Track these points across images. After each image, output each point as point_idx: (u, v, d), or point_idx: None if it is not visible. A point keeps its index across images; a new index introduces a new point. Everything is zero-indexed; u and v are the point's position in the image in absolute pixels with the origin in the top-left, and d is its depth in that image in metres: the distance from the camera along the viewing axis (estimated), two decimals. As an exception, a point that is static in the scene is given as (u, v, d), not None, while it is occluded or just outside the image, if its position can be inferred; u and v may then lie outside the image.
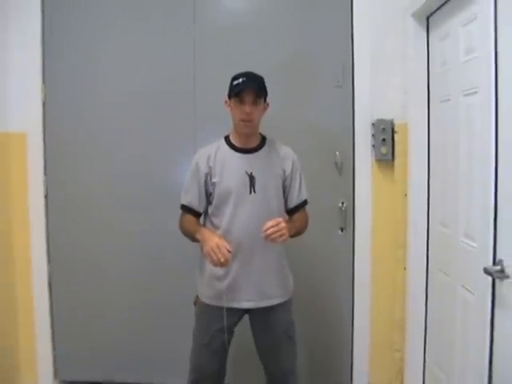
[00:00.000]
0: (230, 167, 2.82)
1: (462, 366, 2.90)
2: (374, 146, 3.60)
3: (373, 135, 3.59)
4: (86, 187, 3.78)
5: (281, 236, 2.61)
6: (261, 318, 2.91)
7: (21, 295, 3.83)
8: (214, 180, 2.81)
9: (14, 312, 3.81)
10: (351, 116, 3.61)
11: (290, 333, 2.96)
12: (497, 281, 2.38)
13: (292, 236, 2.76)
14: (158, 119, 3.72)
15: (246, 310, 2.91)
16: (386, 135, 3.55)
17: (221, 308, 2.80)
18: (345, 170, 3.66)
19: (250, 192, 2.79)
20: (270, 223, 2.58)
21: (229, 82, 2.81)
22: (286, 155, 2.90)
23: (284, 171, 2.87)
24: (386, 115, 3.57)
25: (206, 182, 2.84)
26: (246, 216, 2.79)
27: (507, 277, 2.29)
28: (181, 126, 3.70)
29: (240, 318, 2.94)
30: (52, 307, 3.85)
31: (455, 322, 2.97)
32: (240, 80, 2.75)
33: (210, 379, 2.95)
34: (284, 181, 2.88)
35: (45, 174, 3.77)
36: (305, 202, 2.97)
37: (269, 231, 2.57)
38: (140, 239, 3.78)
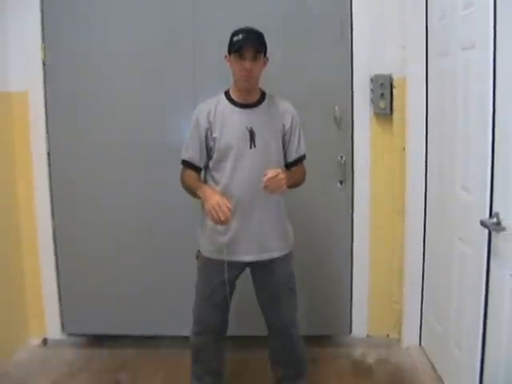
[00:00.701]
0: (230, 122, 2.81)
1: (457, 316, 2.96)
2: (372, 100, 3.60)
3: (371, 90, 3.59)
4: (87, 143, 3.76)
5: (279, 187, 2.65)
6: (261, 270, 2.94)
7: (26, 252, 3.87)
8: (214, 135, 2.81)
9: (20, 269, 3.86)
10: (350, 71, 3.60)
11: (290, 285, 3.00)
12: (493, 233, 2.42)
13: (289, 187, 2.79)
14: (158, 76, 3.68)
15: (247, 263, 2.93)
16: (385, 90, 3.55)
17: (222, 261, 2.83)
18: (344, 124, 3.66)
19: (251, 147, 2.79)
20: (269, 174, 2.61)
21: (228, 38, 2.78)
22: (285, 110, 2.89)
23: (283, 126, 2.87)
24: (385, 70, 3.56)
25: (206, 137, 2.84)
26: (247, 170, 2.79)
27: (503, 229, 2.32)
28: (180, 83, 3.67)
29: (241, 271, 2.97)
30: (57, 262, 3.89)
31: (452, 274, 3.03)
32: (240, 36, 2.72)
33: (212, 331, 3.00)
34: (283, 136, 2.89)
35: (47, 131, 3.76)
36: (303, 157, 2.98)
37: (267, 182, 2.61)
38: (142, 195, 3.78)
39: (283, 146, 2.91)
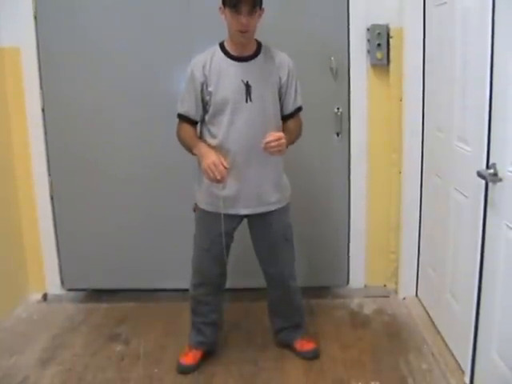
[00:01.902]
0: (226, 76, 2.77)
1: (454, 266, 2.99)
2: (369, 51, 3.56)
3: (368, 40, 3.54)
4: (82, 98, 3.72)
5: (279, 151, 2.70)
6: (259, 222, 2.96)
7: (24, 209, 3.87)
8: (209, 89, 2.77)
9: (18, 226, 3.86)
10: (346, 21, 3.54)
11: (287, 236, 3.02)
12: (490, 184, 2.41)
13: (287, 146, 2.80)
14: (154, 28, 3.62)
15: (244, 216, 2.95)
16: (382, 40, 3.51)
17: (219, 214, 2.84)
18: (340, 75, 3.62)
19: (247, 100, 2.76)
20: (271, 137, 2.65)
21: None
22: (281, 62, 2.85)
23: (280, 78, 2.83)
24: (381, 20, 3.51)
25: (202, 90, 2.80)
26: (243, 124, 2.77)
27: (500, 180, 2.32)
28: (176, 35, 3.61)
29: (239, 223, 2.98)
30: (55, 218, 3.89)
31: (448, 224, 3.04)
32: None
33: (211, 283, 3.03)
34: (280, 88, 2.85)
35: (41, 87, 3.72)
36: (299, 109, 2.95)
37: (269, 145, 2.65)
38: (140, 150, 3.76)
39: (279, 99, 2.88)
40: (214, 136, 2.82)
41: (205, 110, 2.85)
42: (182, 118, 2.87)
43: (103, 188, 3.84)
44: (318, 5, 3.56)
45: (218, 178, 2.68)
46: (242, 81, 2.76)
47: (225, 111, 2.77)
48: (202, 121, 2.89)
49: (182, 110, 2.86)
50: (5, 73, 3.69)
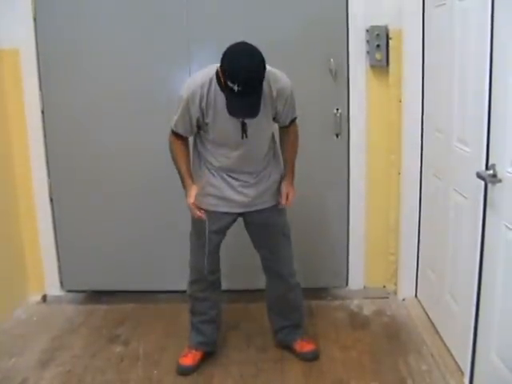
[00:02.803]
0: (222, 113, 2.65)
1: (453, 267, 2.98)
2: (368, 52, 3.56)
3: (367, 41, 3.55)
4: (82, 100, 3.72)
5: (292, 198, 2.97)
6: (255, 217, 2.96)
7: (23, 209, 3.86)
8: (206, 121, 2.73)
9: (18, 227, 3.86)
10: (345, 22, 3.55)
11: (285, 231, 3.03)
12: (489, 185, 2.41)
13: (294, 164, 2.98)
14: (153, 27, 3.63)
15: (240, 213, 2.96)
16: (381, 41, 3.51)
17: (214, 212, 2.89)
18: (339, 76, 3.62)
19: (242, 137, 2.73)
20: (283, 201, 2.94)
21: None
22: (280, 92, 2.73)
23: (276, 109, 2.78)
24: (381, 21, 3.51)
25: (198, 119, 2.74)
26: (239, 156, 2.79)
27: (499, 181, 2.32)
28: (175, 33, 3.60)
29: (233, 221, 2.99)
30: (55, 219, 3.90)
31: (448, 226, 3.04)
32: (236, 87, 2.43)
33: (206, 279, 3.02)
34: (276, 113, 2.81)
35: (40, 89, 3.72)
36: (295, 118, 2.93)
37: (282, 205, 2.94)
38: (138, 149, 3.76)
39: (275, 118, 2.85)
40: (210, 160, 2.85)
41: (201, 129, 2.82)
42: (176, 133, 2.86)
43: (103, 190, 3.84)
44: (316, 6, 3.55)
45: (196, 217, 2.89)
46: (238, 119, 2.69)
47: (224, 146, 2.79)
48: (201, 140, 2.88)
49: (176, 129, 2.83)
50: (4, 74, 3.69)
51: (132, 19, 3.64)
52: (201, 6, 3.52)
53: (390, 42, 3.51)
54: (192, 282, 3.07)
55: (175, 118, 2.78)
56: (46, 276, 3.97)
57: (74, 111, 3.75)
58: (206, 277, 3.01)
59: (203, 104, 2.67)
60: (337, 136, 3.71)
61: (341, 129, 3.69)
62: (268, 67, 2.55)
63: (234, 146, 2.76)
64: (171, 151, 2.90)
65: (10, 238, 3.80)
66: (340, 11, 3.54)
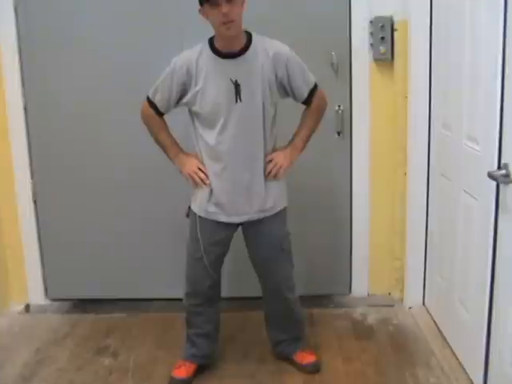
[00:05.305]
0: (214, 76, 2.74)
1: (463, 273, 2.98)
2: (372, 45, 3.56)
3: (371, 33, 3.54)
4: (67, 96, 3.70)
5: (279, 169, 2.86)
6: (253, 231, 2.96)
7: (5, 212, 3.85)
8: (196, 88, 2.76)
9: (-1, 233, 3.88)
10: (347, 14, 3.55)
11: (284, 246, 3.01)
12: (501, 186, 2.42)
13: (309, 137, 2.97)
14: (142, 21, 3.61)
15: (238, 223, 2.95)
16: (385, 33, 3.50)
17: (213, 221, 2.88)
18: (341, 71, 3.62)
19: (236, 100, 2.74)
20: (268, 168, 2.85)
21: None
22: (276, 55, 2.78)
23: (276, 76, 2.80)
24: (385, 12, 3.51)
25: (181, 90, 2.78)
26: (234, 127, 2.77)
27: (512, 181, 2.33)
28: (166, 29, 3.60)
29: (234, 231, 2.99)
30: (38, 222, 3.89)
31: (457, 229, 3.04)
32: None
33: (203, 293, 3.01)
34: (280, 82, 2.82)
35: (22, 84, 3.70)
36: (315, 87, 2.92)
37: (267, 172, 2.85)
38: (128, 150, 3.74)
39: (286, 92, 2.87)
40: (205, 141, 2.83)
41: (193, 114, 2.85)
42: (151, 104, 2.89)
43: (90, 191, 3.83)
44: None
45: (206, 181, 2.85)
46: (231, 80, 2.73)
47: (217, 115, 2.77)
48: (193, 126, 2.89)
49: (153, 97, 2.87)
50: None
51: (122, 11, 3.63)
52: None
53: (395, 34, 3.51)
54: (187, 295, 3.06)
55: (155, 85, 2.85)
56: (29, 284, 3.95)
57: (59, 108, 3.74)
58: (202, 290, 3.01)
59: (192, 71, 2.74)
60: (338, 134, 3.71)
61: (343, 127, 3.70)
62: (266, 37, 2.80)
63: (228, 114, 2.75)
64: (147, 124, 2.94)
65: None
66: (342, 1, 3.54)
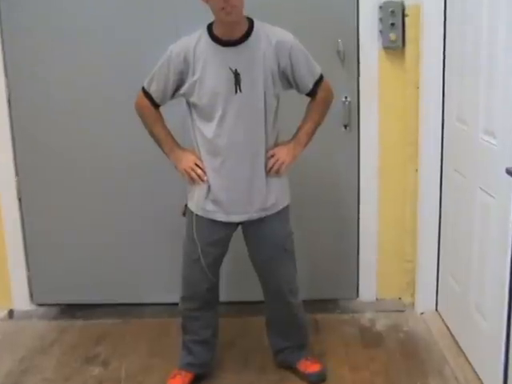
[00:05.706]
0: (213, 64, 2.74)
1: (479, 276, 2.95)
2: (381, 31, 3.53)
3: (380, 19, 3.51)
4: (54, 87, 3.67)
5: (281, 164, 2.85)
6: (254, 229, 2.93)
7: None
8: (194, 78, 2.75)
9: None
10: (355, -3, 3.54)
11: (287, 246, 2.99)
12: (520, 183, 2.37)
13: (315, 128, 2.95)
14: (136, 2, 3.62)
15: (238, 223, 2.93)
16: (396, 19, 3.48)
17: (211, 220, 2.86)
18: (348, 59, 3.60)
19: (236, 91, 2.73)
20: (269, 164, 2.84)
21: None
22: (279, 43, 2.78)
23: (279, 65, 2.79)
24: (396, -5, 3.49)
25: (177, 80, 2.79)
26: (234, 119, 2.76)
27: (533, 178, 2.30)
28: (161, 12, 3.58)
29: (233, 231, 2.97)
30: (23, 223, 3.86)
31: (473, 229, 3.02)
32: None
33: (200, 296, 3.00)
34: (283, 72, 2.82)
35: (5, 75, 3.67)
36: (321, 78, 2.92)
37: (268, 168, 2.84)
38: (119, 145, 3.73)
39: (289, 82, 2.86)
40: (203, 134, 2.82)
41: (190, 107, 2.85)
42: (147, 95, 2.89)
43: (78, 190, 3.81)
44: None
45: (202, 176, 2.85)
46: (230, 69, 2.71)
47: (215, 106, 2.75)
48: (191, 119, 2.88)
49: (148, 87, 2.88)
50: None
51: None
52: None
53: (407, 19, 3.48)
54: (183, 298, 3.05)
55: (151, 75, 2.86)
56: (12, 288, 3.93)
57: (45, 100, 3.71)
58: (199, 294, 2.99)
59: (190, 59, 2.74)
60: (345, 127, 3.68)
61: (350, 119, 3.67)
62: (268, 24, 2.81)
63: (227, 105, 2.73)
64: (142, 116, 2.96)
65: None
66: (349, -16, 3.51)
